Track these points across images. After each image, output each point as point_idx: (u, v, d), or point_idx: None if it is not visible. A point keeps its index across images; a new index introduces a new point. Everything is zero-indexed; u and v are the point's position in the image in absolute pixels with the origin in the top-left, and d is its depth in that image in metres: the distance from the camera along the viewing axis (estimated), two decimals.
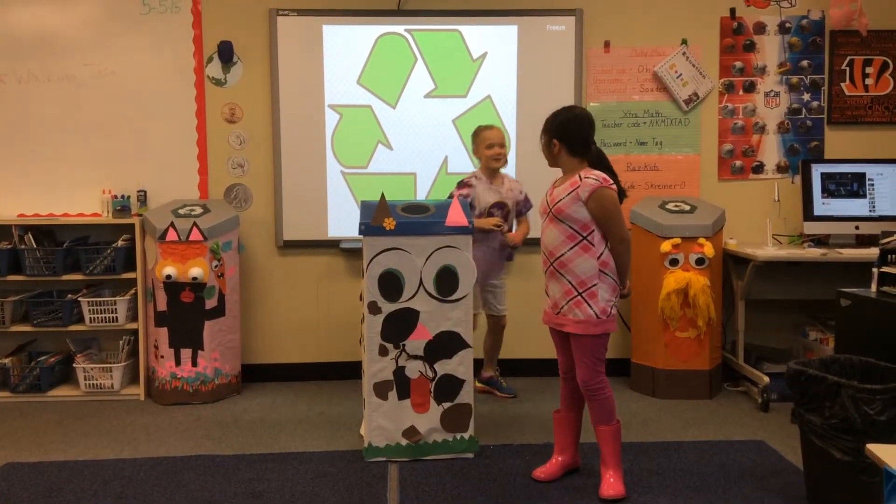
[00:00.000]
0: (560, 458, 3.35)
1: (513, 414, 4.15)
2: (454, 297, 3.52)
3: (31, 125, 4.74)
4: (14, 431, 4.03)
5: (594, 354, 3.13)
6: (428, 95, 4.82)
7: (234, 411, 4.33)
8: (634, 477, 3.33)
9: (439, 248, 3.51)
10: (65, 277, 4.53)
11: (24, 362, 4.66)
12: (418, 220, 3.53)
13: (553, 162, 3.24)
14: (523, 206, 4.39)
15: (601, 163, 3.20)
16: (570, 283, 3.12)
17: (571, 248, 3.10)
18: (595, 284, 3.10)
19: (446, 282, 3.49)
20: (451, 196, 4.21)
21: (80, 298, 4.54)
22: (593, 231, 3.10)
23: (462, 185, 4.25)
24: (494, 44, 4.81)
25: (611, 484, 3.17)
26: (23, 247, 4.52)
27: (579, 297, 3.10)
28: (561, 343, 3.28)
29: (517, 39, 4.81)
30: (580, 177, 3.10)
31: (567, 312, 3.13)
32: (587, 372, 3.14)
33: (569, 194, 3.10)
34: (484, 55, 4.82)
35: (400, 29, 4.79)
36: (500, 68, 4.82)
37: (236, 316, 4.64)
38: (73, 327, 4.56)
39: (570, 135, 3.16)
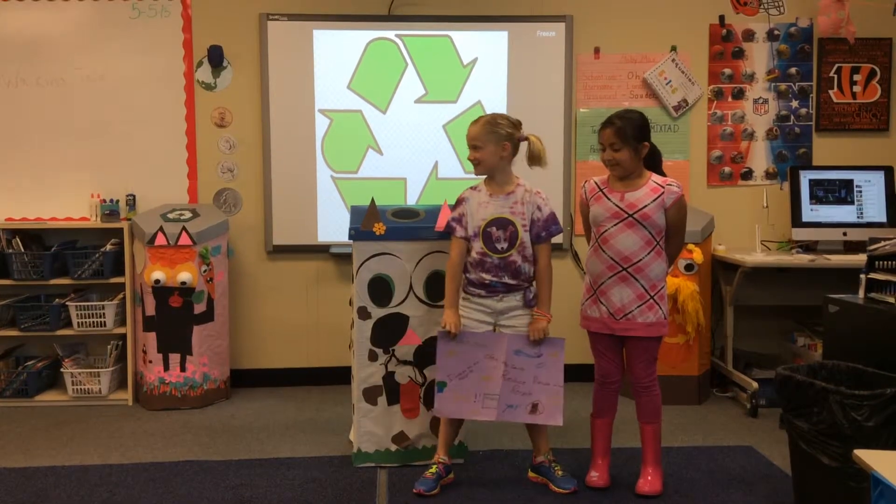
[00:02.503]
0: (604, 462, 3.35)
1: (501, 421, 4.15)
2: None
3: (20, 128, 4.72)
4: (0, 437, 3.99)
5: (653, 354, 3.24)
6: (418, 101, 4.83)
7: (222, 417, 4.31)
8: (622, 482, 3.34)
9: (429, 253, 3.50)
10: (53, 282, 4.50)
11: (11, 367, 4.62)
12: (408, 225, 3.53)
13: (634, 167, 3.17)
14: (543, 229, 3.23)
15: (656, 159, 3.27)
16: (643, 287, 3.15)
17: (648, 253, 3.15)
18: (663, 286, 3.21)
19: (436, 287, 3.47)
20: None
21: (67, 303, 4.52)
22: (663, 235, 3.18)
23: (456, 202, 3.35)
24: (485, 49, 4.82)
25: (649, 482, 3.24)
26: (10, 251, 4.49)
27: (651, 301, 3.16)
28: (609, 349, 3.27)
29: (507, 45, 4.82)
30: (659, 183, 3.17)
31: (637, 316, 3.16)
32: (645, 369, 3.23)
33: (654, 201, 3.14)
34: (474, 61, 4.83)
35: (390, 34, 4.79)
36: (490, 74, 4.83)
37: (225, 321, 4.63)
38: (60, 332, 4.53)
39: (650, 135, 3.22)
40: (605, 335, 3.25)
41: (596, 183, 3.28)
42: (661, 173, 3.26)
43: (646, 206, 3.13)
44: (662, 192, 3.14)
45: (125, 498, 3.22)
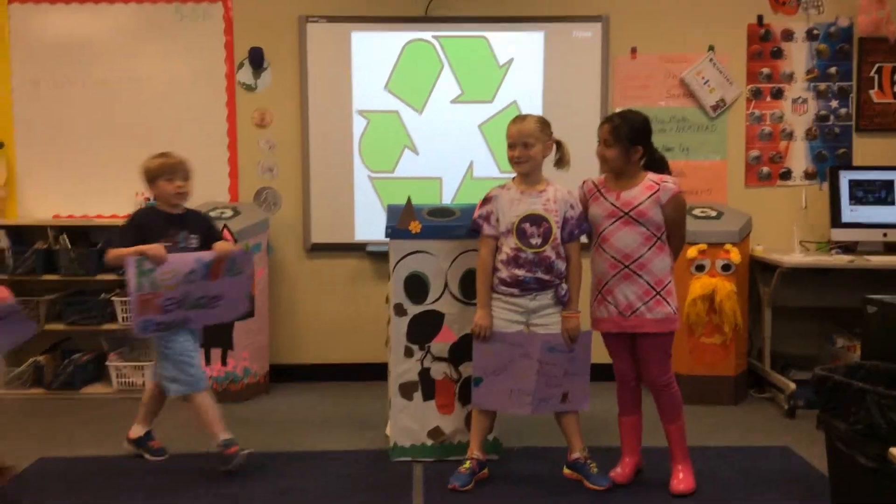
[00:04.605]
0: (630, 460, 3.37)
1: (536, 418, 4.16)
2: None
3: (67, 129, 4.85)
4: (47, 427, 4.11)
5: (666, 351, 3.23)
6: (454, 101, 4.87)
7: (261, 410, 4.39)
8: (657, 481, 3.33)
9: (464, 252, 3.54)
10: (98, 277, 4.62)
11: (58, 360, 4.75)
12: (444, 223, 3.57)
13: (623, 167, 3.19)
14: (575, 227, 3.29)
15: (661, 165, 3.28)
16: (647, 283, 3.16)
17: (650, 249, 3.16)
18: (670, 281, 3.20)
19: (471, 284, 3.49)
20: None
21: (113, 298, 4.63)
22: (664, 231, 3.19)
23: (484, 200, 3.35)
24: (521, 50, 4.85)
25: (681, 480, 3.24)
26: (57, 247, 4.63)
27: (658, 296, 3.17)
28: (624, 348, 3.29)
29: (543, 46, 4.84)
30: (654, 181, 3.18)
31: (645, 313, 3.17)
32: (660, 368, 3.22)
33: (648, 198, 3.15)
34: (510, 61, 4.86)
35: (427, 35, 4.84)
36: (526, 74, 4.86)
37: (265, 317, 4.70)
38: (105, 326, 4.66)
39: (648, 140, 3.22)
40: (616, 335, 3.27)
41: (594, 183, 3.30)
42: (668, 172, 3.28)
43: (640, 203, 3.15)
44: (657, 189, 3.16)
45: (166, 488, 3.31)
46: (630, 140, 3.16)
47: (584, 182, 3.37)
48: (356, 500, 3.19)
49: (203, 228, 3.55)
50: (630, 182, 3.20)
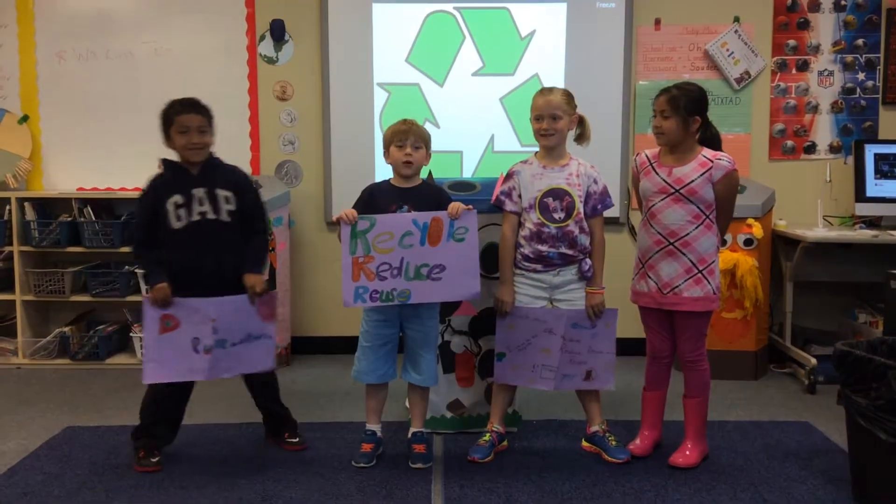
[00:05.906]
0: (650, 433, 3.39)
1: (556, 391, 4.19)
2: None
3: (90, 101, 4.89)
4: (74, 397, 4.19)
5: (700, 329, 3.22)
6: (475, 73, 4.84)
7: (283, 382, 4.37)
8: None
9: (485, 226, 3.52)
10: (122, 249, 4.67)
11: (83, 331, 4.83)
12: (464, 197, 3.55)
13: (681, 139, 3.13)
14: (599, 202, 3.28)
15: (714, 141, 3.22)
16: (690, 261, 3.14)
17: (697, 227, 3.12)
18: (714, 261, 3.17)
19: (492, 259, 3.48)
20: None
21: (136, 270, 4.68)
22: (713, 209, 3.15)
23: (505, 177, 3.35)
24: (543, 22, 4.80)
25: (685, 455, 3.24)
26: (82, 219, 4.68)
27: (700, 275, 3.14)
28: (659, 324, 3.29)
29: (566, 17, 4.79)
30: (708, 158, 3.12)
31: (684, 290, 3.15)
32: (691, 345, 3.21)
33: (701, 175, 3.10)
34: (532, 33, 4.82)
35: (448, 7, 4.80)
36: (548, 46, 4.82)
37: (287, 290, 4.74)
38: (129, 298, 4.71)
39: (705, 111, 3.18)
40: (654, 310, 3.26)
41: (647, 156, 3.27)
42: (719, 148, 3.21)
43: (692, 181, 3.10)
44: (711, 167, 3.10)
45: (191, 457, 3.37)
46: (688, 110, 3.10)
47: (637, 154, 3.35)
48: (376, 470, 3.23)
49: (431, 202, 3.21)
50: (684, 157, 3.15)
